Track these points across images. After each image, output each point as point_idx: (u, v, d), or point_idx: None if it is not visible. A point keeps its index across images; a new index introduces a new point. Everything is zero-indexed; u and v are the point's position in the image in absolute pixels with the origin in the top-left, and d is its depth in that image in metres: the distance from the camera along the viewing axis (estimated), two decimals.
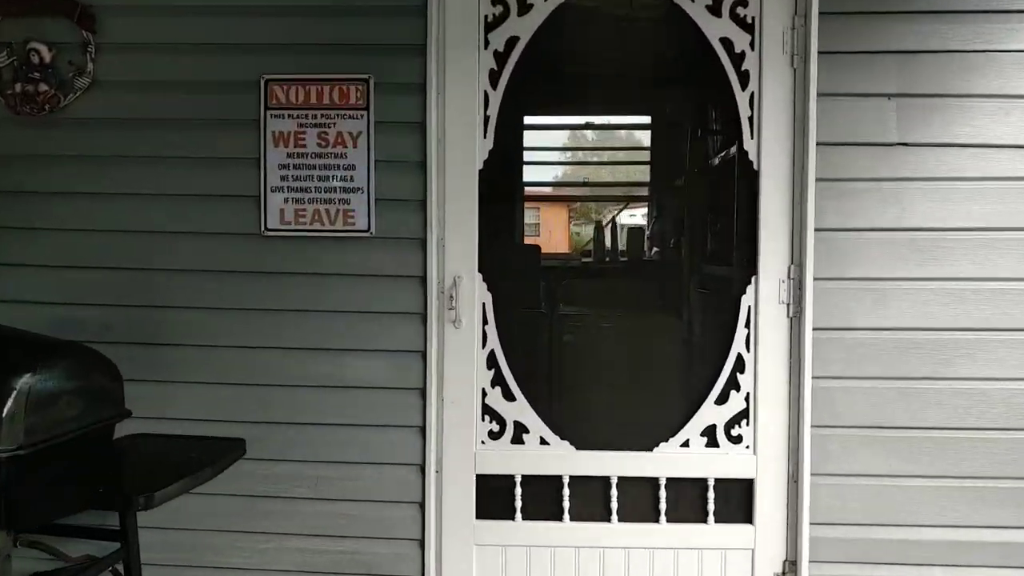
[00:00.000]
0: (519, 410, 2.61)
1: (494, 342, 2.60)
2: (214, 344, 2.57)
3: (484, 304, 2.59)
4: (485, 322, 2.59)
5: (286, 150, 2.53)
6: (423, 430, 2.55)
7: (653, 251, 3.50)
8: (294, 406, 2.57)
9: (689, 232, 3.17)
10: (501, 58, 2.54)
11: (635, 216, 3.70)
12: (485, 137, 2.55)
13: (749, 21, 2.49)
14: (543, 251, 3.49)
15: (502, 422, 2.61)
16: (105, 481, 1.90)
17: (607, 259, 3.70)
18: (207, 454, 2.10)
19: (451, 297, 2.54)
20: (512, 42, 2.54)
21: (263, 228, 2.55)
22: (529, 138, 3.18)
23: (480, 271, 2.57)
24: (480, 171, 2.55)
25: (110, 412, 1.95)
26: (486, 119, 2.55)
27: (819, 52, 2.42)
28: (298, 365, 2.56)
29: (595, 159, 3.80)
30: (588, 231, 3.86)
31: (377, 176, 2.52)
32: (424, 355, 2.54)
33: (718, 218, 2.85)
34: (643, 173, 3.65)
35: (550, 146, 3.53)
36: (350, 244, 2.55)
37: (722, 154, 2.91)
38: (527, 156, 3.26)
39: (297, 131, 2.52)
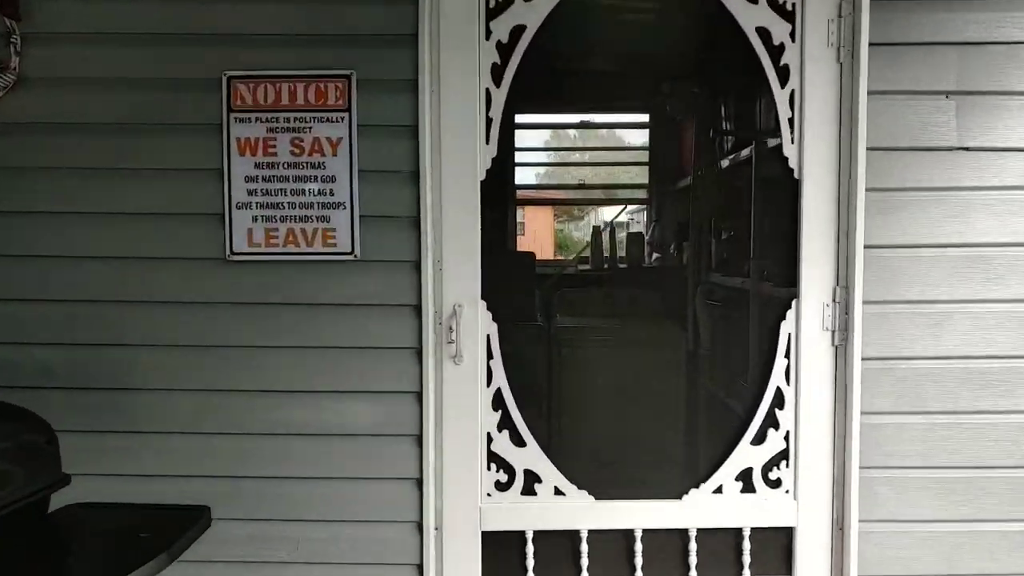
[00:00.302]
0: (530, 457, 2.39)
1: (500, 379, 2.36)
2: (173, 387, 2.34)
3: (488, 336, 2.35)
4: (490, 356, 2.36)
5: (254, 159, 2.31)
6: (420, 482, 2.35)
7: (654, 257, 3.36)
8: (269, 457, 2.35)
9: (717, 248, 2.99)
10: (505, 50, 2.31)
11: (645, 222, 3.49)
12: (488, 142, 2.32)
13: (789, 8, 2.30)
14: (536, 258, 3.32)
15: (511, 471, 2.38)
16: None
17: (606, 265, 3.54)
18: (162, 532, 1.89)
19: (451, 328, 2.31)
20: (518, 31, 2.31)
21: (228, 252, 2.33)
22: (536, 139, 2.93)
23: (483, 298, 2.33)
24: (482, 181, 2.32)
25: (42, 482, 1.77)
26: (488, 121, 2.31)
27: (869, 44, 2.24)
28: (272, 410, 2.35)
29: (616, 159, 3.63)
30: (570, 229, 3.72)
31: (362, 189, 2.31)
32: (420, 396, 2.33)
33: (752, 232, 2.67)
34: (661, 176, 3.48)
35: (562, 146, 3.27)
36: (331, 269, 2.33)
37: (754, 157, 2.74)
38: (536, 158, 3.01)
39: (266, 137, 2.31)
